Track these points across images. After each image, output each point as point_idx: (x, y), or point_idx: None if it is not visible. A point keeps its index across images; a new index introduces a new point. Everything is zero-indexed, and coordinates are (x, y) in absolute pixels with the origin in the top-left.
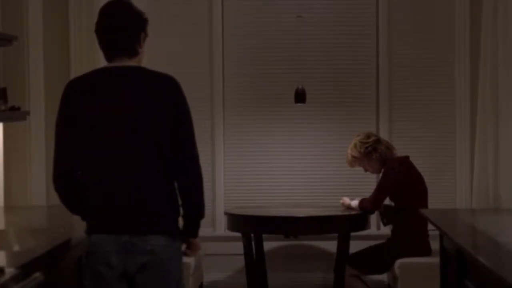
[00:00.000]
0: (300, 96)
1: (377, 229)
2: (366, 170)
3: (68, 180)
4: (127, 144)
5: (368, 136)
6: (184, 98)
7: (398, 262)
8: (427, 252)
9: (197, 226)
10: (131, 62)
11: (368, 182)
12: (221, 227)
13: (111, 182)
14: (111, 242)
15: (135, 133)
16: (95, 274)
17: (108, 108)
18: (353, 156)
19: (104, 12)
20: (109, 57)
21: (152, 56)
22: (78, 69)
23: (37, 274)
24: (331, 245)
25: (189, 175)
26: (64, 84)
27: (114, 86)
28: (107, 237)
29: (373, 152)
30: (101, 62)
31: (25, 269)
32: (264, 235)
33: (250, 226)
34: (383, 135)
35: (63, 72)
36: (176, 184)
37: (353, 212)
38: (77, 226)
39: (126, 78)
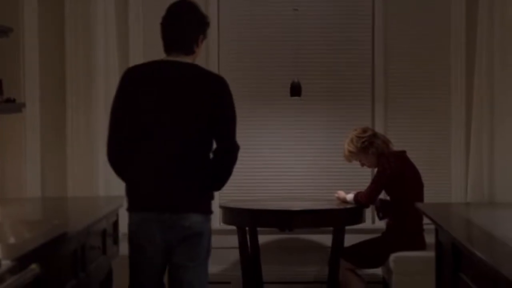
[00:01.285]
0: (295, 90)
1: (372, 222)
2: (362, 165)
3: (119, 153)
4: (173, 131)
5: (365, 130)
6: (231, 97)
7: (393, 256)
8: (421, 246)
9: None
10: (187, 59)
11: (363, 176)
12: (216, 221)
13: (157, 164)
14: (153, 219)
15: (182, 122)
16: (137, 248)
17: (160, 97)
18: (349, 151)
19: (172, 10)
20: (168, 50)
21: (148, 50)
22: (73, 61)
23: (34, 266)
24: (326, 239)
25: (225, 159)
26: (59, 76)
27: (168, 77)
28: (150, 214)
29: (369, 147)
30: (96, 53)
31: (21, 261)
32: (259, 229)
33: (245, 220)
34: (378, 129)
35: (58, 64)
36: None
37: (348, 206)
38: (73, 218)
39: (180, 72)
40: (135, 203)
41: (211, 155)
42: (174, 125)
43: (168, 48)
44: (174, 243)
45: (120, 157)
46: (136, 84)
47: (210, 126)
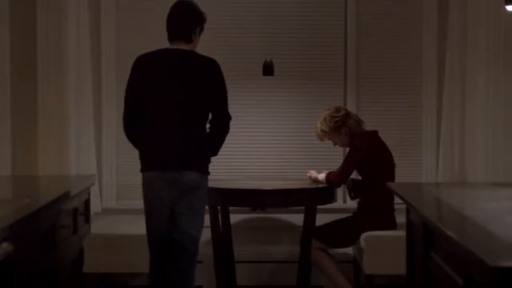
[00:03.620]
0: (268, 69)
1: (344, 202)
2: (335, 144)
3: (132, 125)
4: (177, 105)
5: (338, 110)
6: (222, 75)
7: (364, 235)
8: (392, 225)
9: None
10: (186, 47)
11: (335, 155)
12: None
13: (162, 132)
14: (160, 177)
15: (184, 97)
16: (149, 201)
17: (166, 77)
18: (322, 130)
19: (173, 8)
20: (171, 39)
21: (120, 31)
22: (43, 39)
23: (5, 245)
24: (297, 218)
25: (219, 128)
26: (29, 53)
27: (171, 63)
28: (157, 173)
29: (342, 126)
30: (67, 32)
31: None
32: (230, 208)
33: (217, 199)
34: (350, 108)
35: (31, 43)
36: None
37: (320, 185)
38: (44, 196)
39: (182, 58)
40: (146, 165)
41: (207, 125)
42: (177, 101)
43: (171, 38)
44: (176, 196)
45: (133, 129)
46: (145, 69)
47: (206, 100)
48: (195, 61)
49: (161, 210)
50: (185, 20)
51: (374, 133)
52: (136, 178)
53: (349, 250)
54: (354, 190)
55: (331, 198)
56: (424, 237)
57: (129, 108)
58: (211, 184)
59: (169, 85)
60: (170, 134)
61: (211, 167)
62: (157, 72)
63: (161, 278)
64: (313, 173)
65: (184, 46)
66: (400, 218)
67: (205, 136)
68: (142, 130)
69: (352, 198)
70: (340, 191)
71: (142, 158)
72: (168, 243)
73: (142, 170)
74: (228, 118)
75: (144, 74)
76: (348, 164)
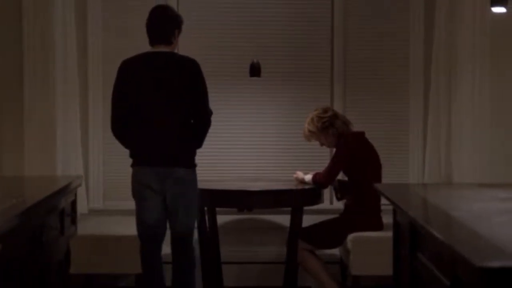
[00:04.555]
0: (255, 70)
1: (330, 203)
2: (322, 145)
3: (121, 126)
4: (162, 104)
5: (326, 110)
6: (202, 74)
7: (351, 236)
8: (379, 227)
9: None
10: (167, 49)
11: (322, 156)
12: None
13: (151, 130)
14: (150, 172)
15: (171, 98)
16: (140, 195)
17: (151, 78)
18: (310, 131)
19: (152, 13)
20: (152, 43)
21: (111, 33)
22: (30, 40)
23: None
24: (284, 219)
25: (201, 122)
26: (16, 54)
27: (157, 64)
28: (148, 168)
29: (330, 127)
30: (54, 34)
31: None
32: (217, 209)
33: (204, 200)
34: (337, 109)
35: (15, 43)
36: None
37: (306, 186)
38: (31, 197)
39: (166, 60)
40: (137, 161)
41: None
42: (165, 102)
43: (152, 42)
44: (166, 190)
45: (122, 129)
46: (132, 72)
47: (191, 99)
48: (178, 63)
49: (151, 200)
50: (163, 24)
51: (361, 134)
52: (123, 179)
53: (336, 251)
54: (341, 191)
55: (318, 199)
56: (411, 237)
57: (117, 111)
58: (199, 185)
59: (157, 86)
60: (159, 135)
61: (199, 169)
62: (144, 75)
63: (153, 276)
64: (299, 174)
65: (164, 48)
66: (387, 219)
67: (191, 133)
68: (132, 132)
69: (338, 199)
70: (327, 192)
71: (133, 155)
72: (160, 237)
73: (133, 165)
74: (210, 113)
75: (131, 77)
76: (335, 165)
